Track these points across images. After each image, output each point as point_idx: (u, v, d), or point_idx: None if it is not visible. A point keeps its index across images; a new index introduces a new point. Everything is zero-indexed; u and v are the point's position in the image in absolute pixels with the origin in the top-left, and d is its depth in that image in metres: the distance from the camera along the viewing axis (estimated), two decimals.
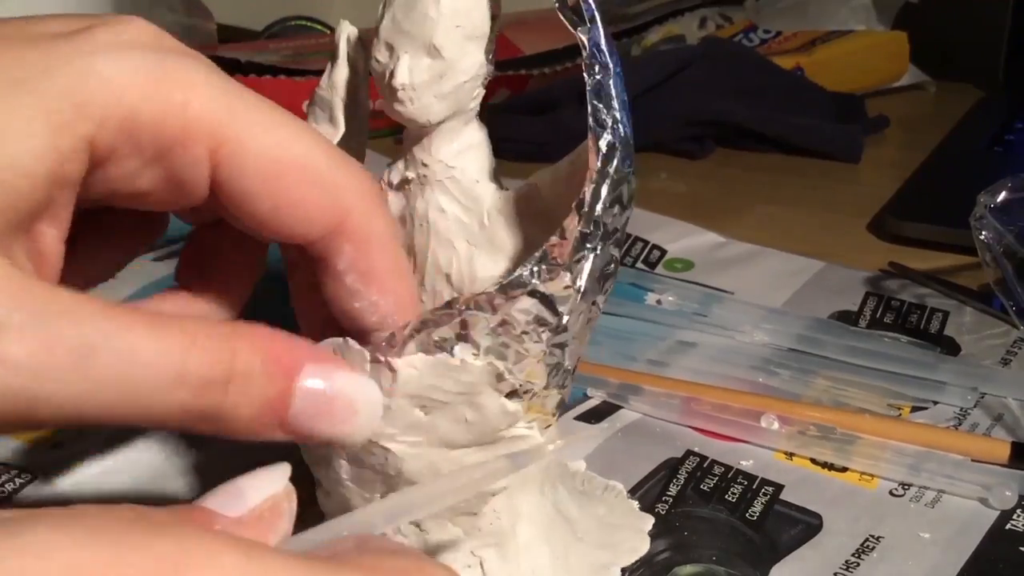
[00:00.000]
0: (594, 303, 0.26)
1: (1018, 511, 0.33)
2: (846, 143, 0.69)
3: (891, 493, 0.34)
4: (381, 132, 0.34)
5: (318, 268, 0.26)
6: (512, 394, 0.26)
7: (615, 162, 0.25)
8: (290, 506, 0.21)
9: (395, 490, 0.27)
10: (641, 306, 0.48)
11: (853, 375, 0.41)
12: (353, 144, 0.30)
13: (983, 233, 0.39)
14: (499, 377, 0.25)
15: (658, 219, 0.57)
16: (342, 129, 0.29)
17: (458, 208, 0.29)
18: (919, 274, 0.49)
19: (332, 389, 0.23)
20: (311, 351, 0.24)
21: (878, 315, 0.47)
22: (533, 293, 0.25)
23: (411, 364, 0.25)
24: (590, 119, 0.25)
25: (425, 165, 0.29)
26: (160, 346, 0.21)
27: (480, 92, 0.28)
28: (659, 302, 0.48)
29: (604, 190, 0.25)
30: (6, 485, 0.35)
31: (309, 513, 0.31)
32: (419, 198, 0.29)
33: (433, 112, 0.27)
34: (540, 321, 0.25)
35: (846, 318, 0.46)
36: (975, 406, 0.39)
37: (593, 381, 0.41)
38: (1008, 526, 0.32)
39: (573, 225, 0.25)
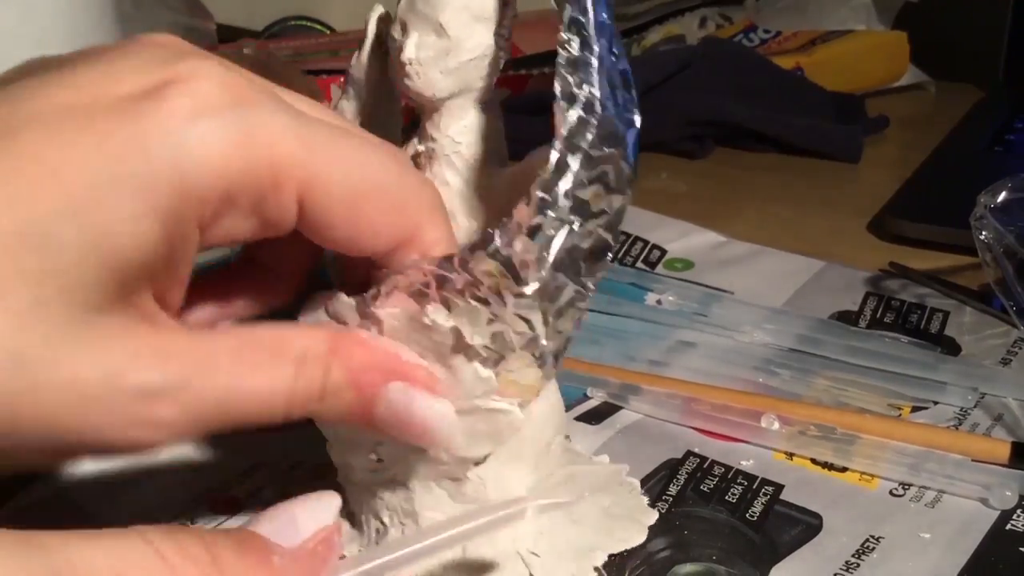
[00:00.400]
0: (581, 286, 0.26)
1: (1018, 511, 0.33)
2: (846, 143, 0.69)
3: (891, 493, 0.34)
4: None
5: (378, 274, 0.27)
6: (484, 361, 0.26)
7: (589, 137, 0.25)
8: (339, 540, 0.23)
9: (383, 445, 0.29)
10: (641, 306, 0.48)
11: (853, 375, 0.41)
12: (387, 122, 0.31)
13: (983, 233, 0.39)
14: (466, 340, 0.26)
15: (658, 219, 0.57)
16: (367, 105, 0.30)
17: (461, 183, 0.30)
18: (919, 274, 0.49)
19: (410, 410, 0.26)
20: (399, 368, 0.26)
21: (878, 315, 0.46)
22: (495, 255, 0.25)
23: (393, 316, 0.26)
24: (556, 89, 0.25)
25: (434, 140, 0.30)
26: (277, 383, 0.24)
27: (490, 73, 0.29)
28: (659, 302, 0.48)
29: (575, 163, 0.25)
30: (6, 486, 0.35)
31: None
32: (427, 171, 0.30)
33: (438, 87, 0.29)
34: (503, 286, 0.25)
35: (846, 318, 0.46)
36: (975, 406, 0.39)
37: (593, 381, 0.41)
38: (1008, 526, 0.32)
39: (533, 193, 0.25)
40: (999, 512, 0.33)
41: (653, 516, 0.33)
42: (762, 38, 0.86)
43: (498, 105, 0.30)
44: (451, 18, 0.28)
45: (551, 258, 0.25)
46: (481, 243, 0.25)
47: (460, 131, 0.30)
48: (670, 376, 0.41)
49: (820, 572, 0.31)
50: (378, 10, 0.30)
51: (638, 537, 0.32)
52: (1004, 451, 0.35)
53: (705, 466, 0.36)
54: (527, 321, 0.26)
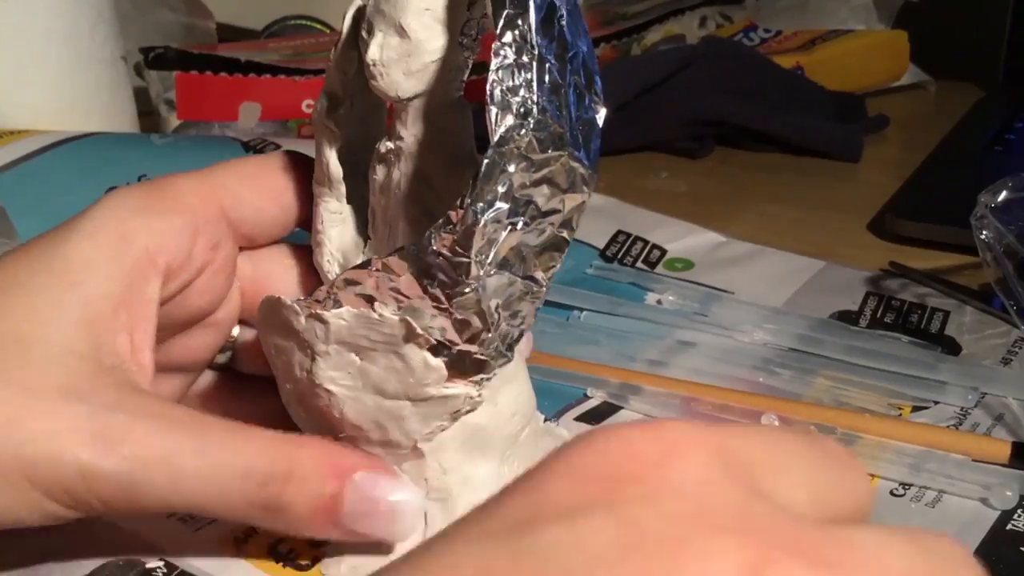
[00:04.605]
0: (530, 279, 0.27)
1: (1019, 511, 0.33)
2: (846, 142, 0.69)
3: (892, 493, 0.34)
4: None
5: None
6: (434, 350, 0.28)
7: (527, 142, 0.26)
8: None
9: (343, 433, 0.30)
10: (641, 306, 0.48)
11: (854, 375, 0.41)
12: (373, 114, 0.32)
13: (984, 232, 0.39)
14: (412, 332, 0.27)
15: (658, 218, 0.57)
16: (346, 98, 0.30)
17: (425, 180, 0.30)
18: (920, 274, 0.49)
19: (378, 493, 0.27)
20: (363, 461, 0.28)
21: (878, 315, 0.46)
22: (433, 256, 0.26)
23: (340, 316, 0.27)
24: (487, 96, 0.26)
25: (401, 138, 0.30)
26: (232, 449, 0.27)
27: (457, 74, 0.30)
28: (659, 302, 0.48)
29: (511, 167, 0.26)
30: None
31: None
32: (396, 168, 0.30)
33: (402, 88, 0.29)
34: (442, 284, 0.26)
35: (846, 318, 0.46)
36: (976, 406, 0.39)
37: (593, 381, 0.41)
38: (1009, 526, 0.32)
39: (467, 195, 0.26)
40: (999, 512, 0.33)
41: None
42: (762, 37, 0.86)
43: (468, 106, 0.31)
44: (412, 20, 0.28)
45: (490, 258, 0.26)
46: (418, 243, 0.26)
47: (426, 131, 0.30)
48: (670, 376, 0.41)
49: None
50: (355, 5, 0.30)
51: None
52: (1004, 451, 0.35)
53: None
54: (470, 313, 0.27)
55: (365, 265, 0.27)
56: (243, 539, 0.32)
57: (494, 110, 0.26)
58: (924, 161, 0.65)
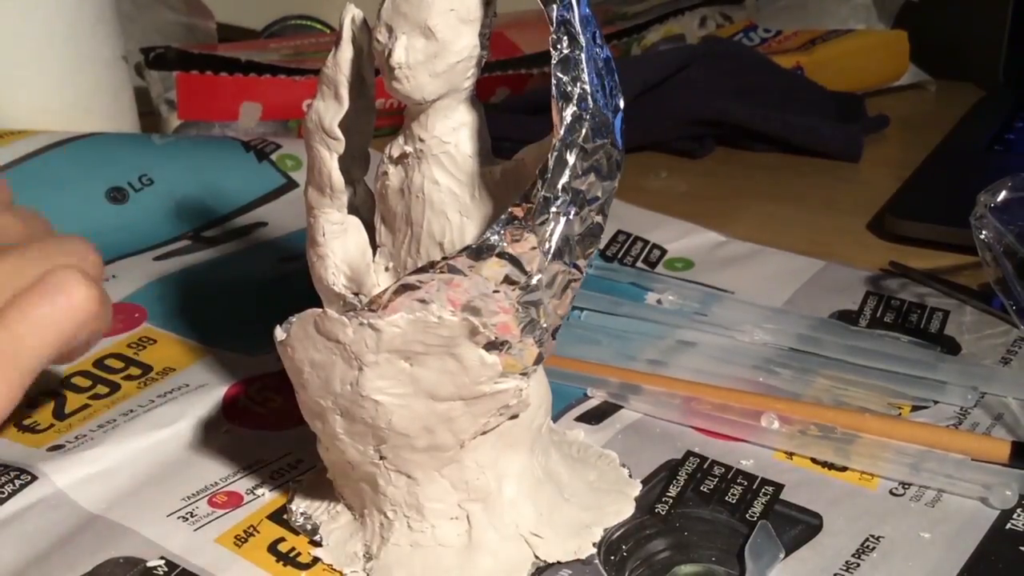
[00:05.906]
0: (575, 266, 0.28)
1: (1018, 511, 0.33)
2: (846, 142, 0.69)
3: (891, 493, 0.34)
4: (382, 131, 0.35)
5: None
6: (490, 346, 0.28)
7: (584, 132, 0.27)
8: None
9: (386, 442, 0.30)
10: (641, 306, 0.48)
11: (853, 374, 0.41)
12: (360, 120, 0.32)
13: (983, 232, 0.39)
14: (474, 331, 0.27)
15: (658, 218, 0.57)
16: (346, 105, 0.30)
17: (452, 181, 0.30)
18: (919, 273, 0.49)
19: None
20: None
21: (878, 314, 0.46)
22: (501, 255, 0.27)
23: (394, 324, 0.27)
24: (553, 90, 0.27)
25: (422, 140, 0.30)
26: None
27: (474, 72, 0.30)
28: (659, 302, 0.48)
29: (571, 158, 0.27)
30: (5, 487, 0.35)
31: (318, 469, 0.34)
32: (416, 171, 0.30)
33: (427, 90, 0.29)
34: (509, 280, 0.27)
35: (846, 317, 0.46)
36: (975, 405, 0.39)
37: (593, 381, 0.41)
38: (1008, 526, 0.32)
39: (535, 190, 0.27)
40: (999, 512, 0.33)
41: (637, 488, 0.35)
42: (762, 37, 0.86)
43: (480, 103, 0.31)
44: (439, 21, 0.28)
45: (552, 249, 0.27)
46: (485, 243, 0.27)
47: (448, 131, 0.30)
48: (670, 376, 0.41)
49: (820, 572, 0.31)
50: (351, 10, 0.30)
51: (627, 510, 0.34)
52: (1004, 451, 0.35)
53: (705, 466, 0.36)
54: (532, 308, 0.28)
55: (426, 269, 0.27)
56: (243, 538, 0.32)
57: (560, 103, 0.27)
58: (924, 161, 0.65)
